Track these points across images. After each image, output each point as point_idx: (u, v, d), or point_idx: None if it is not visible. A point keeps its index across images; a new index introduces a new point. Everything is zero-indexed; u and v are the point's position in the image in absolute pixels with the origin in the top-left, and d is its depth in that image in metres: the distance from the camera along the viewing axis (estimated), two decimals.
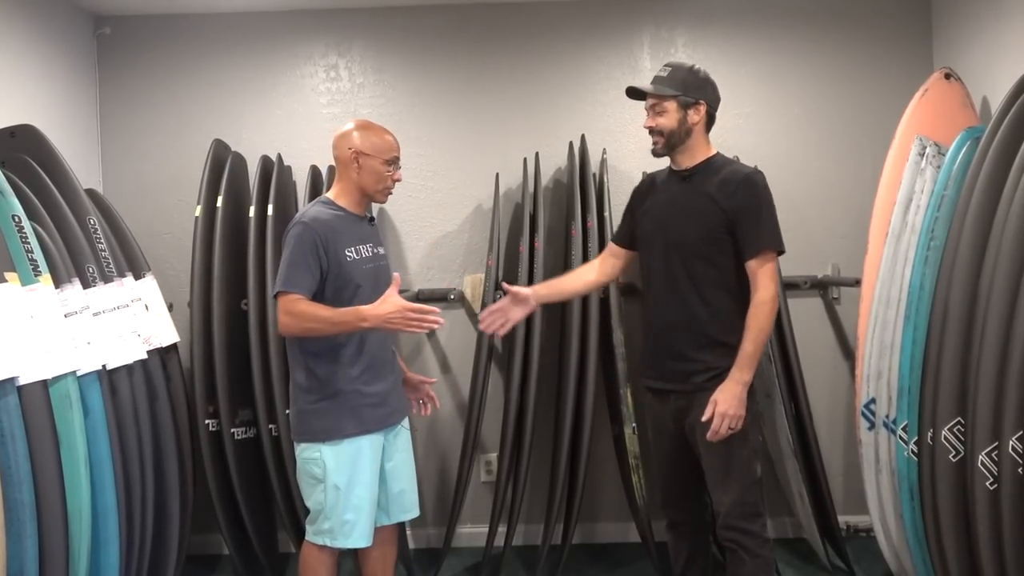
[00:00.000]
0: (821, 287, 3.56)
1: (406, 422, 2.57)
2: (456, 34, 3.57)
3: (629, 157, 3.57)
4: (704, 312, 2.34)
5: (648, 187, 2.56)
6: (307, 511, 2.43)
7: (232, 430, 3.11)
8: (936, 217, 2.69)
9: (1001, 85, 3.01)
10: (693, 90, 2.36)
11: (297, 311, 2.24)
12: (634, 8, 3.55)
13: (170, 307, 3.20)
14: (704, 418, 2.25)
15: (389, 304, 2.21)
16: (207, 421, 3.12)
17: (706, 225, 2.33)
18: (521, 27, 3.57)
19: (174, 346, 3.13)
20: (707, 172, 2.38)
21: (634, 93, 2.45)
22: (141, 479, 2.71)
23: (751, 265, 2.30)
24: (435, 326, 2.24)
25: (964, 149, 2.69)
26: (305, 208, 2.40)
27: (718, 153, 2.43)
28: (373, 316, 2.20)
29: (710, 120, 2.41)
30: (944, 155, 2.83)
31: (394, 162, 2.40)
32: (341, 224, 2.35)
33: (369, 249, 2.40)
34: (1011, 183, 2.35)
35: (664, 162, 2.50)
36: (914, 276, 2.74)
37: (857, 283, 3.18)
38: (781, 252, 2.35)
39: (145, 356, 2.81)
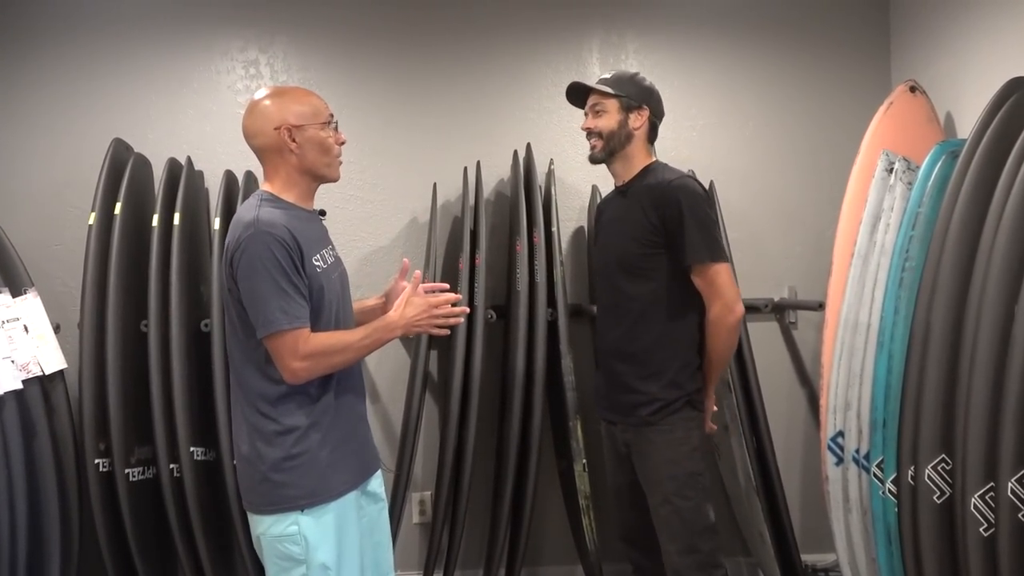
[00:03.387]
0: (778, 311, 3.37)
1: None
2: (390, 31, 3.27)
3: (577, 169, 3.32)
4: (647, 338, 2.17)
5: (600, 207, 2.48)
6: None
7: (127, 471, 2.71)
8: (911, 236, 2.50)
9: (966, 99, 2.91)
10: (636, 95, 2.26)
11: (315, 350, 1.77)
12: (584, 11, 3.32)
13: (57, 328, 2.80)
14: None
15: (413, 306, 1.87)
16: (97, 460, 2.71)
17: (639, 240, 2.19)
18: (463, 26, 3.29)
19: (60, 373, 2.73)
20: (641, 182, 2.25)
21: (575, 94, 2.32)
22: (11, 528, 2.34)
23: (695, 282, 2.16)
24: (461, 320, 1.96)
25: (939, 164, 2.51)
26: (246, 211, 1.81)
27: (656, 161, 2.30)
28: (402, 323, 1.86)
29: (652, 131, 2.30)
30: (915, 171, 2.66)
31: (330, 123, 1.89)
32: (299, 225, 1.82)
33: (330, 254, 1.93)
34: (998, 199, 2.18)
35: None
36: (887, 300, 2.55)
37: (820, 306, 2.99)
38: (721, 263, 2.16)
39: (20, 386, 2.43)
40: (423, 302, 1.88)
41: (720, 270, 2.13)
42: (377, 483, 2.04)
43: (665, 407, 2.15)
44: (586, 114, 2.30)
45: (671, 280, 2.17)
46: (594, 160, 2.30)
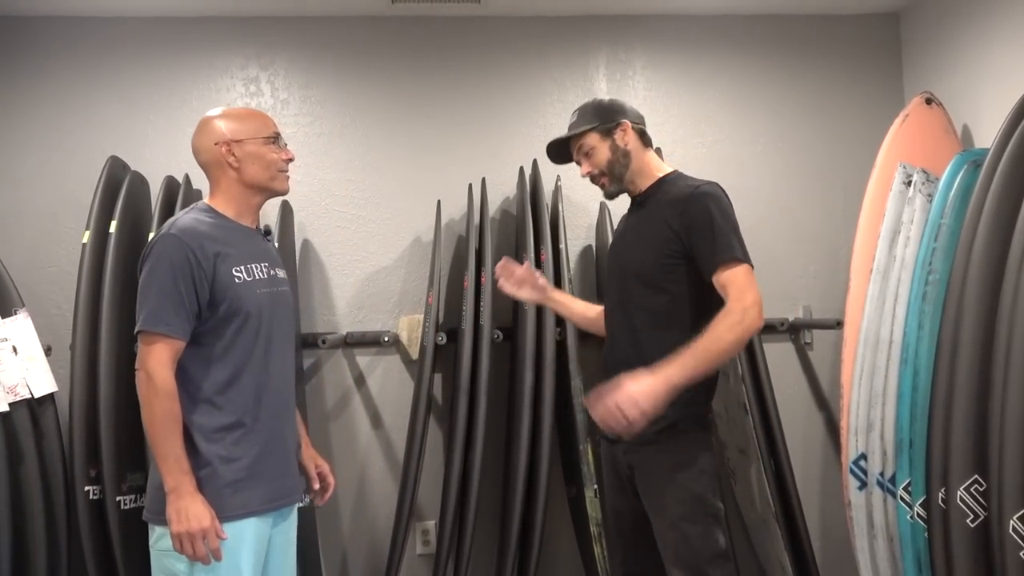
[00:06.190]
0: (793, 331, 3.27)
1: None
2: (394, 48, 3.22)
3: (584, 187, 3.19)
4: (656, 351, 1.96)
5: (618, 224, 2.38)
6: None
7: (118, 498, 2.60)
8: (934, 248, 2.42)
9: (983, 111, 2.84)
10: (607, 116, 2.16)
11: (154, 381, 1.73)
12: (591, 26, 3.27)
13: (48, 350, 2.72)
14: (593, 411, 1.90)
15: (196, 518, 1.71)
16: (87, 487, 2.61)
17: (658, 250, 2.07)
18: (467, 43, 3.24)
19: (50, 397, 2.64)
20: (660, 193, 2.14)
21: (557, 154, 2.29)
22: None
23: (717, 282, 1.98)
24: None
25: (961, 174, 2.43)
26: (173, 218, 1.89)
27: (675, 171, 2.18)
28: (178, 500, 1.71)
29: (643, 137, 2.19)
30: (934, 182, 2.58)
31: (276, 139, 1.95)
32: (225, 235, 1.86)
33: (264, 270, 1.92)
34: None
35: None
36: (910, 315, 2.46)
37: (838, 324, 2.89)
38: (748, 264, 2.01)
39: (6, 409, 2.32)
40: (194, 528, 1.70)
41: (747, 270, 1.98)
42: (290, 522, 1.97)
43: (671, 426, 2.00)
44: (578, 162, 2.23)
45: (687, 292, 2.06)
46: (611, 196, 2.22)
